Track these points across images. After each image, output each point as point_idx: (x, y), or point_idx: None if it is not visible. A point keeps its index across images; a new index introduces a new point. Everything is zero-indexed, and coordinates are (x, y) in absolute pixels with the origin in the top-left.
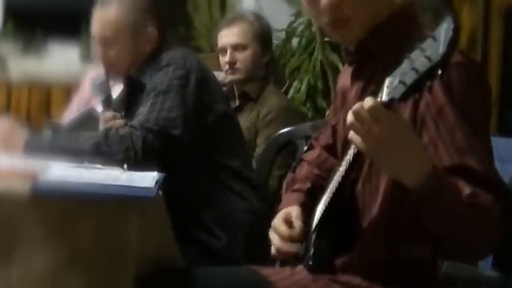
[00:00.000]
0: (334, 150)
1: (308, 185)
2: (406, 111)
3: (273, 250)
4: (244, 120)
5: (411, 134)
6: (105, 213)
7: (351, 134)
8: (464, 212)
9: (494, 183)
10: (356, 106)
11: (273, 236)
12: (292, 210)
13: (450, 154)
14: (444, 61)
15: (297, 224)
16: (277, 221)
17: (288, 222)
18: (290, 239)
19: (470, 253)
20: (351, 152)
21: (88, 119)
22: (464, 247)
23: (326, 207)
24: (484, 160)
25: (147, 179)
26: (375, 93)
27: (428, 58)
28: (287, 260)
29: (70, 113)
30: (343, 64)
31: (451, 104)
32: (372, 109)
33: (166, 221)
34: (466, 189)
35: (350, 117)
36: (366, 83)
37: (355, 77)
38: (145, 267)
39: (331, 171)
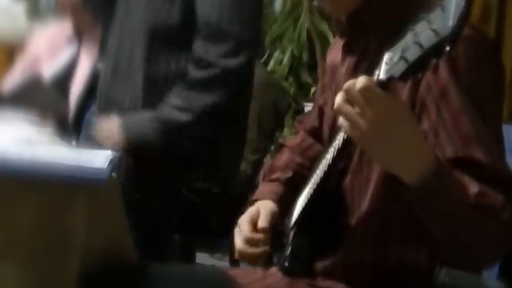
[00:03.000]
0: (320, 134)
1: (288, 174)
2: (403, 92)
3: (236, 253)
4: None
5: (411, 121)
6: (47, 197)
7: (340, 119)
8: (470, 214)
9: (504, 179)
10: (347, 85)
11: (236, 236)
12: (262, 209)
13: (453, 143)
14: (453, 36)
15: (262, 226)
16: (243, 220)
17: (254, 223)
18: (252, 243)
19: (474, 261)
20: (339, 138)
21: (32, 87)
22: (468, 254)
23: (308, 200)
24: (493, 151)
25: (99, 158)
26: (370, 70)
27: (435, 32)
28: (252, 263)
29: (12, 79)
30: (334, 34)
31: (456, 84)
32: (365, 89)
33: (119, 208)
34: (473, 187)
35: (339, 98)
36: (358, 58)
37: (346, 51)
38: (92, 262)
39: (316, 160)
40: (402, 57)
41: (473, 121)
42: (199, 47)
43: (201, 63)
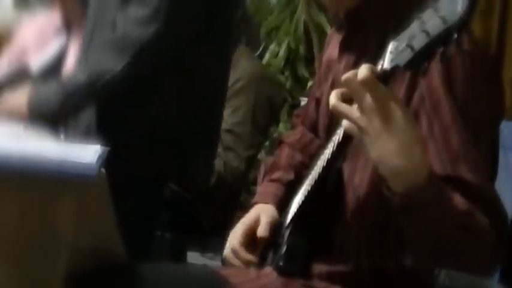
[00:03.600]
0: (318, 128)
1: (290, 176)
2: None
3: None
4: None
5: (409, 117)
6: (33, 193)
7: (344, 121)
8: (456, 233)
9: (490, 201)
10: (346, 76)
11: (229, 240)
12: (263, 216)
13: (441, 160)
14: (462, 23)
15: (261, 235)
16: (238, 229)
17: (251, 230)
18: (239, 257)
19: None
20: (339, 132)
21: (19, 78)
22: (451, 269)
23: (305, 198)
24: (480, 172)
25: (88, 153)
26: (373, 61)
27: (443, 19)
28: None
29: None
30: (332, 27)
31: (450, 100)
32: (367, 81)
33: (108, 206)
34: (462, 205)
35: (333, 97)
36: (358, 56)
37: (344, 47)
38: (80, 260)
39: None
40: (408, 46)
41: (463, 139)
42: (119, 10)
43: (114, 26)
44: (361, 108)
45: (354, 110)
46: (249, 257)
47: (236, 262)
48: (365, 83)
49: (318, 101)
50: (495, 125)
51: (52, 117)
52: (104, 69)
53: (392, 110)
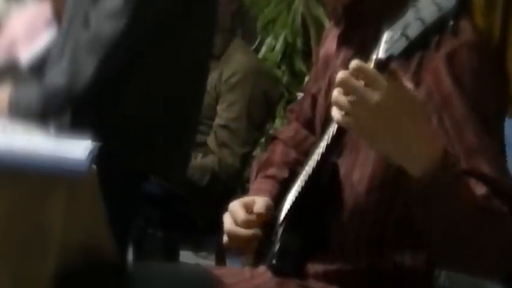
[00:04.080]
0: (314, 124)
1: (285, 173)
2: None
3: (224, 237)
4: None
5: (416, 104)
6: (22, 189)
7: (335, 113)
8: (476, 215)
9: (509, 194)
10: (340, 74)
11: (227, 219)
12: (258, 198)
13: (456, 155)
14: (458, 10)
15: (258, 209)
16: (235, 203)
17: (248, 207)
18: (245, 223)
19: (472, 267)
20: (334, 125)
21: (9, 71)
22: (469, 263)
23: (299, 194)
24: (498, 165)
25: (78, 148)
26: (369, 54)
27: (439, 6)
28: (242, 252)
29: None
30: (330, 20)
31: (460, 93)
32: (358, 70)
33: (98, 202)
34: (480, 189)
35: (335, 90)
36: (355, 51)
37: (342, 42)
38: (70, 258)
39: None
40: (403, 35)
41: (478, 132)
42: (91, 5)
43: (87, 22)
44: (357, 101)
45: (350, 101)
46: (251, 215)
47: (241, 233)
48: (357, 72)
49: (314, 97)
50: (502, 119)
51: (32, 119)
52: (80, 71)
53: (392, 95)
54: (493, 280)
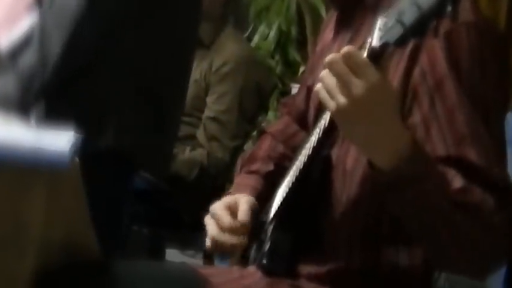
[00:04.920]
0: (307, 119)
1: (269, 167)
2: (395, 78)
3: (207, 241)
4: (192, 72)
5: (393, 100)
6: (0, 183)
7: (319, 85)
8: (448, 211)
9: (498, 184)
10: (330, 56)
11: (210, 223)
12: (242, 200)
13: (445, 141)
14: None
15: (242, 212)
16: (218, 206)
17: (232, 210)
18: (230, 230)
19: (457, 266)
20: (325, 117)
21: None
22: (448, 258)
23: (289, 190)
24: (489, 154)
25: (60, 140)
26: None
27: None
28: (228, 255)
29: None
30: (326, 6)
31: (455, 77)
32: (349, 56)
33: (81, 197)
34: (457, 182)
35: (324, 71)
36: (352, 35)
37: (339, 27)
38: (50, 256)
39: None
40: (398, 21)
41: (470, 119)
42: None
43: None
44: (343, 86)
45: (336, 84)
46: (237, 222)
47: (227, 240)
48: (347, 58)
49: (309, 90)
50: (504, 109)
51: (11, 108)
52: (50, 47)
53: (376, 88)
54: (486, 277)
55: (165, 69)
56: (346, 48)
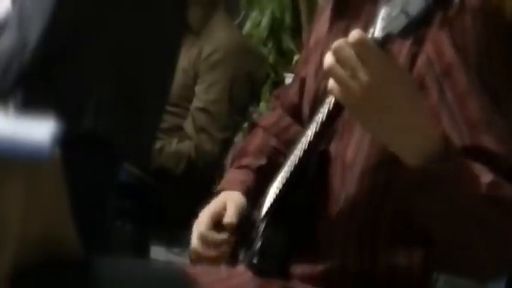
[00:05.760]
0: (300, 113)
1: (261, 161)
2: None
3: (190, 253)
4: (181, 59)
5: (414, 88)
6: None
7: (330, 82)
8: (481, 207)
9: None
10: (337, 43)
11: (194, 232)
12: (229, 201)
13: (459, 130)
14: None
15: (228, 221)
16: (204, 213)
17: (217, 218)
18: (209, 243)
19: (479, 268)
20: (323, 110)
21: None
22: (474, 258)
23: (283, 186)
24: (506, 140)
25: (40, 129)
26: (365, 31)
27: None
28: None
29: None
30: None
31: (463, 61)
32: (359, 44)
33: (61, 191)
34: (486, 176)
35: (329, 58)
36: (350, 21)
37: (336, 14)
38: (28, 255)
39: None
40: (402, 11)
41: (483, 104)
42: None
43: None
44: (354, 76)
45: (348, 75)
46: (221, 236)
47: (207, 251)
48: (356, 46)
49: (302, 82)
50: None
51: None
52: (28, 29)
53: (391, 74)
54: (495, 275)
55: (149, 56)
56: (355, 33)
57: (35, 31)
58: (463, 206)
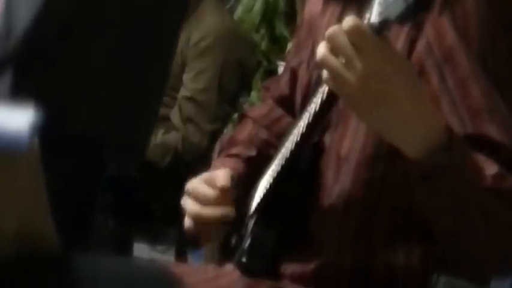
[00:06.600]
0: (291, 104)
1: (251, 152)
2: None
3: (187, 222)
4: None
5: (413, 76)
6: None
7: (324, 72)
8: (486, 200)
9: None
10: (330, 30)
11: (187, 201)
12: (220, 171)
13: (460, 118)
14: None
15: (222, 184)
16: (194, 182)
17: (211, 184)
18: (213, 202)
19: (481, 265)
20: (317, 100)
21: None
22: (476, 254)
23: (273, 180)
24: (509, 129)
25: (18, 118)
26: (359, 16)
27: None
28: (208, 239)
29: None
30: None
31: (465, 45)
32: (353, 31)
33: (39, 184)
34: (491, 168)
35: (322, 47)
36: (345, 5)
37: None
38: (3, 249)
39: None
40: None
41: (486, 90)
42: None
43: None
44: (349, 65)
45: (343, 64)
46: (218, 189)
47: (209, 212)
48: (351, 33)
49: (294, 72)
50: None
51: None
52: (15, 20)
53: (388, 63)
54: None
55: (144, 52)
56: (350, 20)
57: (22, 19)
58: (467, 199)
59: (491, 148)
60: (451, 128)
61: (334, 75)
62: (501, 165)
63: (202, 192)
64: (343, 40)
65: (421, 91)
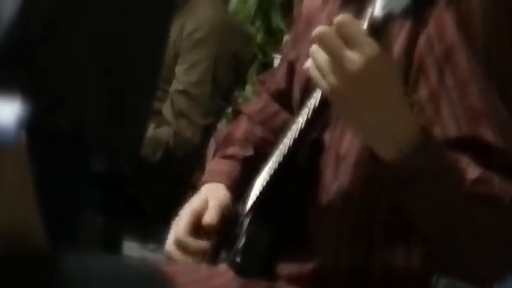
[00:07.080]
0: (288, 99)
1: (248, 152)
2: (395, 48)
3: (168, 245)
4: None
5: (396, 80)
6: None
7: (312, 72)
8: (466, 205)
9: None
10: (320, 29)
11: (171, 231)
12: (211, 199)
13: (457, 119)
14: None
15: (207, 222)
16: (182, 218)
17: (197, 218)
18: (184, 249)
19: (476, 270)
20: (316, 95)
21: None
22: (468, 260)
23: (270, 178)
24: (507, 133)
25: (4, 112)
26: (361, 13)
27: None
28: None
29: None
30: None
31: (466, 44)
32: (346, 30)
33: (26, 179)
34: (473, 172)
35: (313, 47)
36: (345, 3)
37: None
38: None
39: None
40: None
41: (485, 92)
42: None
43: None
44: (336, 62)
45: (328, 60)
46: (200, 244)
47: (183, 257)
48: (340, 28)
49: (291, 65)
50: None
51: None
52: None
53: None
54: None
55: (134, 48)
56: (339, 18)
57: (7, 12)
58: (446, 204)
59: (479, 151)
60: (427, 131)
61: (318, 67)
62: (491, 168)
63: (180, 237)
64: (332, 38)
65: (401, 93)
